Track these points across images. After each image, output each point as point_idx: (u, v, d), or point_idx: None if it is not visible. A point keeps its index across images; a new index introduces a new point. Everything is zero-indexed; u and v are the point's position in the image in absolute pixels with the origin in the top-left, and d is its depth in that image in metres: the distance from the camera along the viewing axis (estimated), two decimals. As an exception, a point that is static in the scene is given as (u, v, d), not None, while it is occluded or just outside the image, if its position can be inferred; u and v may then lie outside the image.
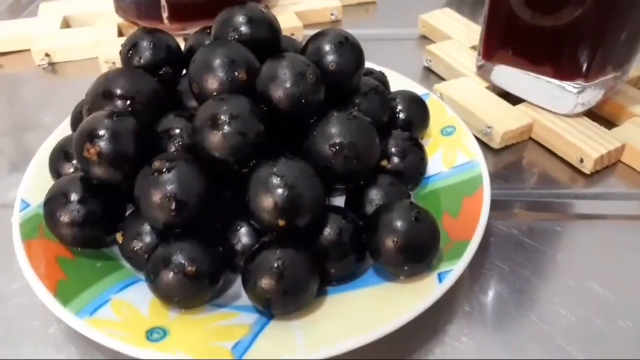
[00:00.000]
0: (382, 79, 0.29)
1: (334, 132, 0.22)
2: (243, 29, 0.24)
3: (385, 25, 0.43)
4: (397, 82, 0.31)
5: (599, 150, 0.29)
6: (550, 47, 0.30)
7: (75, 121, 0.26)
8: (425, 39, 0.41)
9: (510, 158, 0.31)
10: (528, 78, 0.32)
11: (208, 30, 0.27)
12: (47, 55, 0.38)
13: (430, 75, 0.38)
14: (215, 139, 0.21)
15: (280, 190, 0.20)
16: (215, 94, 0.22)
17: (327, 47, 0.24)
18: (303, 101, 0.22)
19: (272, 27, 0.25)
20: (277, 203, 0.20)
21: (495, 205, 0.26)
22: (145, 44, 0.26)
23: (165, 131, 0.23)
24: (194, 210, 0.21)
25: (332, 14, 0.43)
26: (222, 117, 0.21)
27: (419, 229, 0.21)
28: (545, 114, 0.31)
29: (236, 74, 0.22)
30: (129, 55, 0.25)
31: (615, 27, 0.29)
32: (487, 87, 0.34)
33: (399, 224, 0.21)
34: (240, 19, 0.25)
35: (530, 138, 0.32)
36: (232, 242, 0.22)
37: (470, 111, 0.32)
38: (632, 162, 0.30)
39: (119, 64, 0.35)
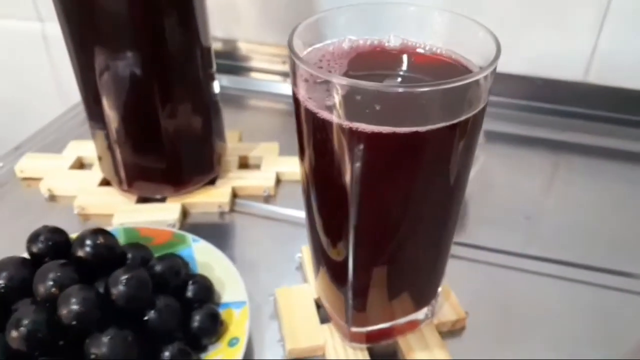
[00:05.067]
0: (205, 285, 0.39)
1: (96, 344, 0.33)
2: (87, 249, 0.36)
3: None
4: (232, 286, 0.40)
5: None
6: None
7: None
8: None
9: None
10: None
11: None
12: (49, 189, 0.52)
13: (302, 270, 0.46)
14: (14, 335, 0.32)
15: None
16: (39, 298, 0.34)
17: (119, 279, 0.34)
18: (75, 322, 0.32)
19: (108, 250, 0.37)
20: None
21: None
22: (41, 238, 0.38)
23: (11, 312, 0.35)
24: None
25: (264, 192, 0.53)
26: (23, 320, 0.32)
27: None
28: (338, 339, 0.39)
29: (53, 290, 0.34)
30: (29, 245, 0.38)
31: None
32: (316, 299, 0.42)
33: None
34: (87, 241, 0.36)
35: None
36: None
37: (284, 322, 0.40)
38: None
39: (88, 211, 0.50)
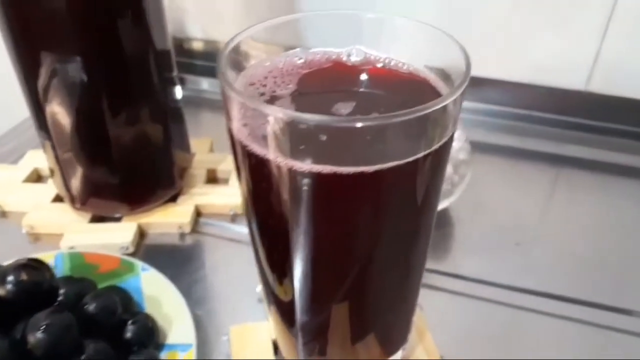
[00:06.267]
0: (147, 326, 0.35)
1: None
2: (8, 287, 0.32)
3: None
4: (180, 324, 0.36)
5: None
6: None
7: None
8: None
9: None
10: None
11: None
12: (-2, 205, 0.48)
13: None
14: None
15: None
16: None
17: (38, 324, 0.30)
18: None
19: (34, 287, 0.32)
20: None
21: None
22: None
23: None
24: None
25: (231, 210, 0.48)
26: None
27: None
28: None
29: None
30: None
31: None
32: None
33: None
34: (9, 277, 0.32)
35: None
36: None
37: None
38: None
39: (37, 230, 0.46)
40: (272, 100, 0.25)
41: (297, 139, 0.22)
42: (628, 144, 0.57)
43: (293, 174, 0.22)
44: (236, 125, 0.24)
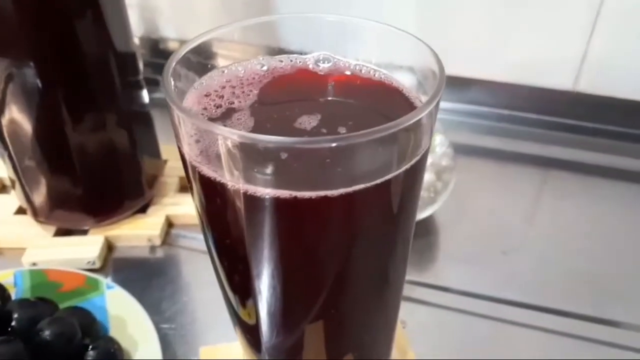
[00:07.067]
0: (108, 350, 0.32)
1: None
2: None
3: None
4: (145, 346, 0.34)
5: None
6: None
7: None
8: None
9: None
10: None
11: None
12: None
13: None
14: None
15: None
16: None
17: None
18: None
19: None
20: None
21: None
22: None
23: None
24: None
25: (204, 220, 0.46)
26: None
27: None
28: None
29: None
30: None
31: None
32: None
33: None
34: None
35: None
36: None
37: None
38: None
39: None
40: (229, 113, 0.23)
41: (252, 160, 0.20)
42: (618, 146, 0.55)
43: (248, 198, 0.20)
44: (185, 144, 0.21)
